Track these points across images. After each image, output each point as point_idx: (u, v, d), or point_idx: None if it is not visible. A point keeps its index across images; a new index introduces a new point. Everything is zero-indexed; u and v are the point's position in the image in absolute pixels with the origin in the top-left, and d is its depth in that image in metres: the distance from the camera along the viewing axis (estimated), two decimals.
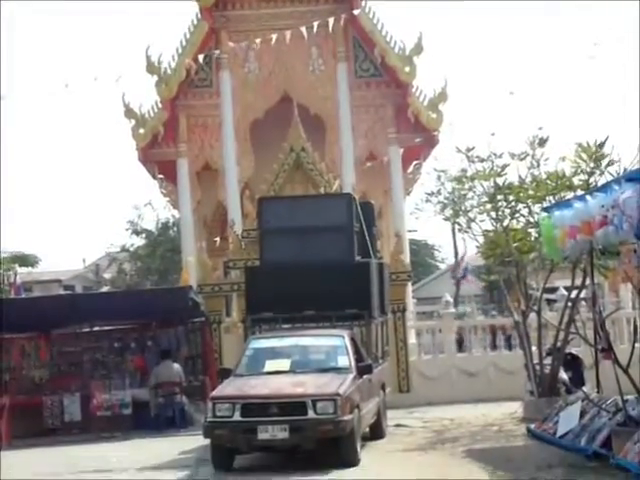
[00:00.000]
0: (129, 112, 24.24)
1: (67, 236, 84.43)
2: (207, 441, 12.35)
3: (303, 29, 22.60)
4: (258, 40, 22.51)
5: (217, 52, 23.63)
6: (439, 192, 16.97)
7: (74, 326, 18.50)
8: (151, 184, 28.57)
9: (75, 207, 79.91)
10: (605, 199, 10.24)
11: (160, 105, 24.17)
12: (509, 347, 20.01)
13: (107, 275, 49.35)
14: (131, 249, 45.86)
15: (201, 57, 23.76)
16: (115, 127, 68.68)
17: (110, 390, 17.66)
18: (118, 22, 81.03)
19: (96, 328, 18.86)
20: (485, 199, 16.23)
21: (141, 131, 24.20)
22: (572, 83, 73.20)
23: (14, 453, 15.08)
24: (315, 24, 22.47)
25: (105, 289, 42.57)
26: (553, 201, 14.14)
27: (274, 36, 22.34)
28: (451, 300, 21.69)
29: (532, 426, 13.85)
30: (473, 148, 16.30)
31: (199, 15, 24.09)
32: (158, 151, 24.54)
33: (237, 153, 24.19)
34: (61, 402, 17.61)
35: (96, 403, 17.48)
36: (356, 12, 23.24)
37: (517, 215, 15.93)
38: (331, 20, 22.19)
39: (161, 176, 25.75)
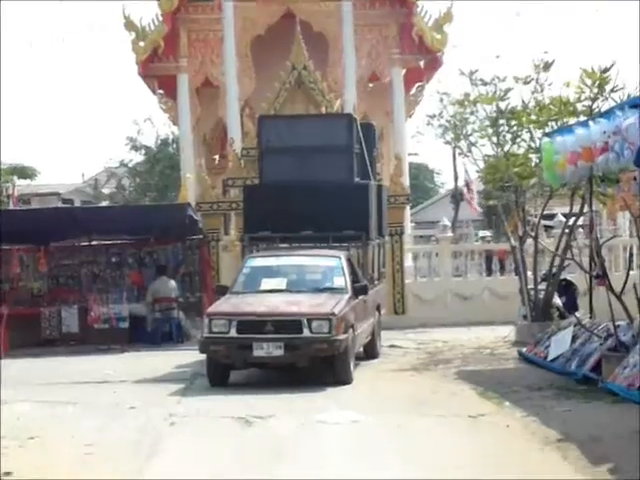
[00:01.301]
0: (129, 24, 23.95)
1: (66, 149, 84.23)
2: (203, 356, 12.47)
3: None
4: None
5: None
6: (441, 115, 16.86)
7: (72, 239, 18.58)
8: (151, 99, 28.40)
9: (75, 120, 79.51)
10: (607, 125, 10.17)
11: (161, 18, 23.85)
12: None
13: (106, 190, 49.29)
14: (130, 165, 45.74)
15: None
16: (117, 39, 67.92)
17: (108, 304, 17.76)
18: None
19: (94, 242, 18.93)
20: (487, 123, 16.14)
21: (141, 44, 23.94)
22: (579, 6, 72.12)
23: (11, 362, 15.22)
24: None
25: (104, 204, 42.54)
26: (555, 126, 14.06)
27: None
28: (449, 224, 21.77)
29: (524, 350, 14.00)
30: (477, 71, 16.16)
31: None
32: (158, 65, 24.30)
33: (238, 70, 23.95)
34: (59, 314, 17.77)
35: (94, 316, 17.61)
36: None
37: (518, 140, 15.86)
38: None
39: (161, 91, 25.56)
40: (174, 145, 40.65)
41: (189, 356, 14.40)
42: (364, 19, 24.05)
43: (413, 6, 23.69)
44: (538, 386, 11.30)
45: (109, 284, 18.51)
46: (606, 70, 13.54)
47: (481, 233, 25.37)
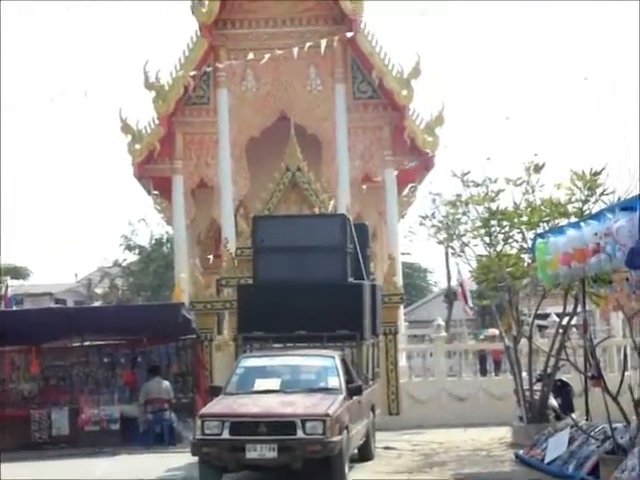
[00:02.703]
0: (126, 127, 24.31)
1: (60, 250, 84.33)
2: (195, 459, 12.31)
3: (297, 49, 22.57)
4: (251, 55, 22.27)
5: (210, 68, 23.72)
6: (433, 215, 17.04)
7: (65, 340, 18.46)
8: (146, 200, 28.61)
9: (69, 221, 79.96)
10: (599, 227, 10.28)
11: (157, 121, 24.25)
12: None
13: (99, 290, 49.23)
14: (124, 264, 45.78)
15: (198, 74, 23.84)
16: (112, 141, 68.84)
17: (99, 405, 17.63)
18: (118, 37, 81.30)
19: (87, 342, 18.82)
20: (479, 224, 16.29)
21: (137, 147, 24.26)
22: (569, 110, 73.55)
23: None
24: (310, 44, 22.46)
25: (97, 304, 42.44)
26: (547, 227, 14.21)
27: (268, 55, 22.29)
28: (443, 324, 21.71)
29: (520, 452, 13.85)
30: (468, 172, 16.39)
31: (199, 32, 24.22)
32: (154, 167, 24.60)
33: (233, 171, 24.26)
34: (49, 416, 17.57)
35: (84, 417, 17.43)
36: (349, 35, 23.33)
37: (510, 240, 15.99)
38: (323, 41, 22.21)
39: (156, 192, 25.80)
40: (168, 245, 40.81)
41: (181, 458, 14.22)
42: (357, 122, 24.49)
43: (405, 109, 24.14)
44: None
45: (101, 385, 18.33)
46: (597, 173, 13.77)
47: (489, 331, 25.24)
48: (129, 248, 44.66)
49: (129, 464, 14.85)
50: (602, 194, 13.76)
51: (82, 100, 75.49)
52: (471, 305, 24.22)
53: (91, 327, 17.65)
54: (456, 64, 67.47)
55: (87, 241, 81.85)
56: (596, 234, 10.29)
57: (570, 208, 14.24)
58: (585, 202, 14.01)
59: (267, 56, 21.98)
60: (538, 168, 15.53)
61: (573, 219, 13.44)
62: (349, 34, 23.38)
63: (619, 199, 13.06)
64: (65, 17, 76.12)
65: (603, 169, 13.82)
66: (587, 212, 13.56)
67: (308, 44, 22.29)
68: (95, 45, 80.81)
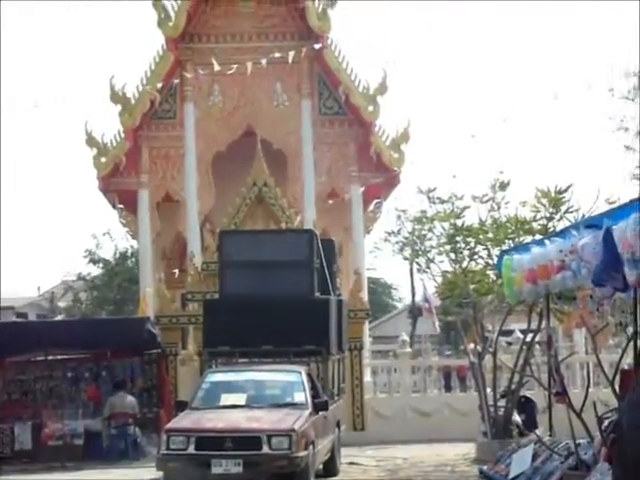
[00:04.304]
0: (91, 140, 24.22)
1: (22, 263, 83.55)
2: (160, 474, 12.25)
3: (267, 63, 22.63)
4: (219, 69, 22.30)
5: (177, 81, 23.69)
6: (399, 232, 17.16)
7: (28, 354, 18.26)
8: (110, 213, 28.46)
9: (32, 233, 79.31)
10: (563, 244, 10.37)
11: (123, 134, 24.18)
12: (464, 389, 20.13)
13: (62, 304, 48.81)
14: (88, 278, 45.43)
15: (166, 86, 23.83)
16: (77, 153, 68.40)
17: (62, 419, 17.44)
18: (83, 49, 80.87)
19: (50, 357, 18.63)
20: (444, 240, 16.40)
21: (102, 160, 24.18)
22: (535, 128, 74.29)
23: None
24: (278, 55, 22.54)
25: (60, 318, 42.05)
26: (512, 244, 14.33)
27: (236, 66, 22.30)
28: (407, 339, 21.80)
29: (485, 467, 13.89)
30: (434, 189, 16.51)
31: (165, 46, 24.19)
32: (119, 180, 24.51)
33: (198, 185, 24.22)
34: (12, 430, 17.38)
35: (47, 432, 17.26)
36: (317, 46, 23.44)
37: (476, 257, 16.12)
38: (291, 53, 22.30)
39: (121, 206, 25.69)
40: (133, 259, 40.58)
41: (145, 473, 14.13)
42: (323, 137, 24.56)
43: (371, 126, 24.26)
44: None
45: (65, 399, 18.14)
46: (561, 191, 13.94)
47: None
48: (93, 262, 44.32)
49: (93, 479, 14.72)
50: (567, 212, 13.93)
51: (40, 111, 74.89)
52: (436, 322, 24.31)
53: (55, 341, 17.44)
54: (422, 79, 68.00)
55: (50, 254, 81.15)
56: (561, 251, 10.38)
57: (535, 225, 14.40)
58: (550, 219, 14.17)
59: (235, 66, 21.95)
60: (503, 185, 15.69)
61: (538, 236, 13.57)
62: (317, 46, 23.46)
63: (584, 216, 13.22)
64: (29, 26, 75.71)
65: (568, 187, 13.99)
66: (552, 229, 13.71)
67: (276, 55, 22.37)
68: (60, 56, 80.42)
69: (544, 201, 14.06)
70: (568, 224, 12.73)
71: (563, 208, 13.98)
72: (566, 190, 13.96)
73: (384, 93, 24.25)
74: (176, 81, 23.62)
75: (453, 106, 79.76)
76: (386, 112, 24.52)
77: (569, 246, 10.17)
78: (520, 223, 14.58)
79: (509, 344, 19.85)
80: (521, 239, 14.38)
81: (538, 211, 14.27)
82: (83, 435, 17.29)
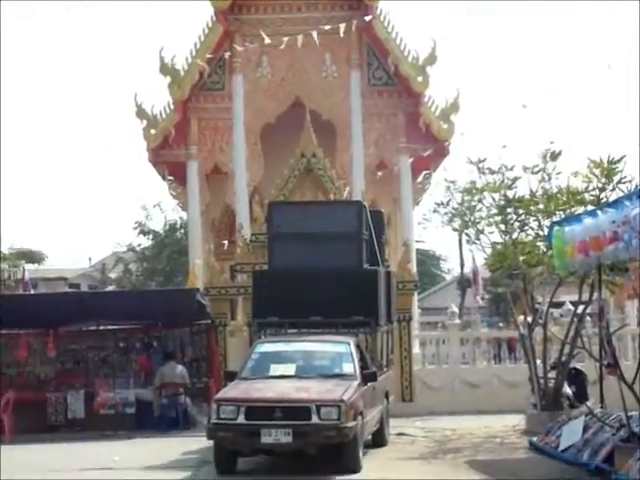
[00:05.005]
0: (141, 112, 24.35)
1: (74, 234, 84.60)
2: (210, 443, 12.37)
3: (317, 35, 22.51)
4: (268, 42, 22.15)
5: (228, 54, 23.68)
6: (448, 203, 16.99)
7: (80, 324, 18.55)
8: (160, 185, 28.66)
9: (84, 205, 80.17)
10: (616, 215, 10.24)
11: (172, 106, 24.28)
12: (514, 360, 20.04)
13: (113, 275, 49.37)
14: (138, 249, 45.86)
15: (215, 57, 23.87)
16: (127, 126, 68.93)
17: (114, 389, 17.74)
18: (134, 22, 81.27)
19: (102, 327, 18.90)
20: (494, 211, 16.25)
21: (152, 132, 24.32)
22: (587, 97, 73.21)
23: (16, 448, 15.11)
24: (328, 27, 22.36)
25: (110, 288, 42.59)
26: (563, 215, 14.17)
27: (286, 39, 22.19)
28: (457, 311, 21.71)
29: (534, 439, 13.82)
30: (484, 160, 16.33)
31: (214, 18, 24.19)
32: (168, 152, 24.66)
33: (247, 157, 24.28)
34: (65, 399, 17.70)
35: (100, 401, 17.56)
36: (367, 18, 23.22)
37: (526, 228, 15.95)
38: (342, 25, 22.15)
39: (171, 177, 25.85)
40: (182, 230, 40.84)
41: (196, 443, 14.29)
42: (372, 108, 24.44)
43: (420, 96, 24.09)
44: (550, 477, 11.19)
45: (116, 369, 18.44)
46: (615, 162, 13.71)
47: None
48: (143, 233, 44.70)
49: (145, 448, 14.94)
50: (620, 182, 13.71)
51: (99, 85, 75.54)
52: (482, 294, 24.18)
53: (107, 312, 17.71)
54: (473, 50, 67.31)
55: (101, 226, 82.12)
56: (613, 222, 10.26)
57: (587, 196, 14.19)
58: (602, 190, 13.96)
59: (285, 39, 21.86)
60: (555, 156, 15.46)
61: (590, 207, 13.39)
62: (367, 18, 23.28)
63: (637, 187, 13.02)
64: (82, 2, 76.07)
65: (621, 157, 13.76)
66: (604, 200, 13.52)
67: (327, 27, 22.21)
68: (113, 31, 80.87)
69: (597, 171, 13.85)
70: (621, 195, 12.55)
71: (616, 178, 13.76)
72: (619, 160, 13.73)
73: (433, 63, 24.05)
74: (227, 54, 23.60)
75: (503, 76, 78.89)
76: (435, 83, 24.37)
77: (622, 217, 10.05)
78: (572, 194, 14.39)
79: (560, 316, 19.70)
80: (572, 210, 14.20)
81: (590, 182, 14.06)
82: (134, 404, 17.55)
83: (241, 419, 11.88)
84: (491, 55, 78.47)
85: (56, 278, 44.45)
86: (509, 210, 15.91)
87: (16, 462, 13.44)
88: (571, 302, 17.65)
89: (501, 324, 26.99)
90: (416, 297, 23.79)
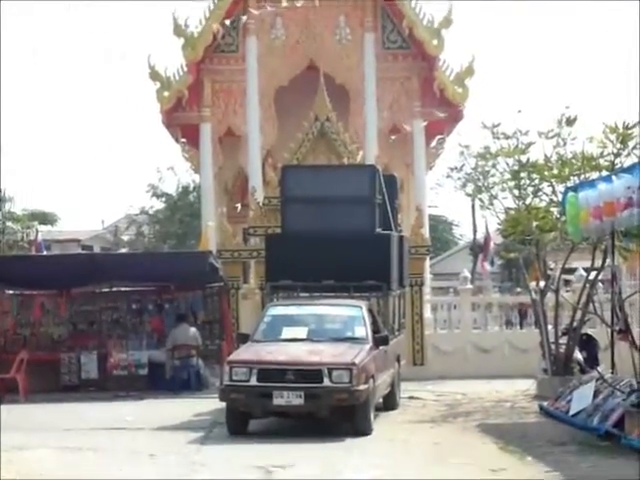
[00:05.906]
0: (154, 74, 24.25)
1: (87, 196, 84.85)
2: (222, 404, 12.46)
3: None
4: (285, 5, 22.09)
5: (244, 18, 23.53)
6: (462, 168, 16.93)
7: (93, 285, 18.64)
8: (173, 147, 28.65)
9: (96, 167, 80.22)
10: (631, 180, 10.22)
11: (185, 68, 24.17)
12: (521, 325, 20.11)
13: (125, 237, 49.55)
14: (150, 212, 46.00)
15: (228, 22, 23.72)
16: (141, 89, 68.74)
17: (127, 350, 17.85)
18: None
19: (115, 288, 19.00)
20: (508, 176, 16.18)
21: (165, 94, 24.21)
22: (603, 62, 72.62)
23: (30, 407, 15.25)
24: None
25: (123, 251, 42.72)
26: (578, 181, 14.11)
27: (301, 3, 22.06)
28: (469, 276, 21.71)
29: (545, 404, 13.91)
30: (498, 124, 16.23)
31: None
32: (182, 115, 24.57)
33: (260, 120, 24.18)
34: (78, 360, 17.84)
35: (113, 362, 17.69)
36: None
37: (540, 194, 15.90)
38: None
39: (184, 140, 25.78)
40: (195, 193, 40.92)
41: (208, 404, 14.39)
42: (386, 72, 24.27)
43: (435, 60, 23.91)
44: (560, 441, 11.22)
45: (129, 330, 18.55)
46: (630, 127, 13.63)
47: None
48: (156, 196, 44.84)
49: (157, 409, 15.05)
50: (635, 148, 13.64)
51: (112, 48, 75.30)
52: (489, 259, 24.04)
53: (120, 274, 17.77)
54: (489, 13, 66.69)
55: (114, 188, 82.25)
56: (629, 188, 10.24)
57: (602, 162, 14.13)
58: (617, 155, 13.89)
59: (301, 1, 21.66)
60: (570, 121, 15.35)
61: (605, 173, 13.33)
62: None
63: None
64: None
65: (637, 122, 13.67)
66: (619, 166, 13.46)
67: None
68: None
69: (612, 137, 13.77)
70: (636, 160, 12.49)
71: (631, 144, 13.70)
72: (634, 126, 13.65)
73: (449, 27, 23.83)
74: (244, 17, 23.44)
75: (520, 39, 78.26)
76: (450, 46, 24.17)
77: (637, 183, 10.03)
78: (586, 159, 14.32)
79: (570, 282, 19.69)
80: (587, 176, 14.14)
81: (605, 147, 13.99)
82: (147, 365, 17.68)
83: (253, 381, 11.97)
84: (507, 18, 77.77)
85: (69, 240, 44.54)
86: (523, 175, 15.85)
87: (29, 421, 13.58)
88: (583, 268, 17.63)
89: (518, 289, 26.93)
90: (428, 262, 23.79)
